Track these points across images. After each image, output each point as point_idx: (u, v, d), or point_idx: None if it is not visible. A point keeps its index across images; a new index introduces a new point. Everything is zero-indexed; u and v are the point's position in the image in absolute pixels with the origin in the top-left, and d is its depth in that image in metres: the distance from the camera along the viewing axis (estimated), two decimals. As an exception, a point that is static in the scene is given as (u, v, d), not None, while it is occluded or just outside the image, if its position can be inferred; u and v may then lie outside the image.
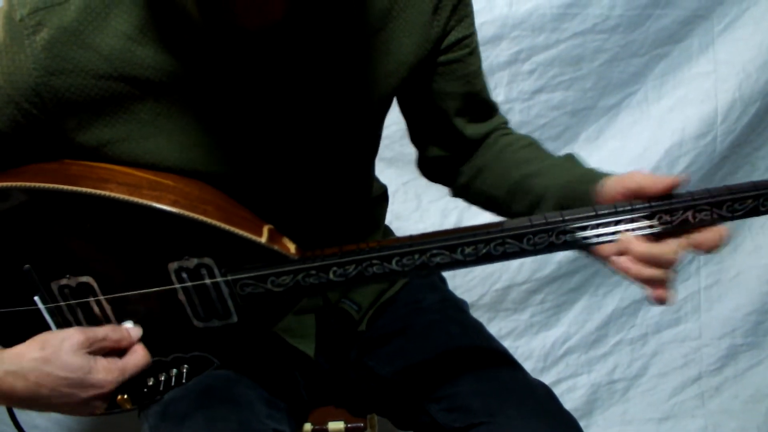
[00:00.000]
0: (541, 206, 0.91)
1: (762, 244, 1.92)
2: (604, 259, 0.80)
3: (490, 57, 1.64)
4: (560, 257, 1.76)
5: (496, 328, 1.80)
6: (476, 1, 0.98)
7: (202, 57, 0.81)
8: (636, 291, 1.89)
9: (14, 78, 0.78)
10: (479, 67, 1.00)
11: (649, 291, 0.77)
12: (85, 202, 0.81)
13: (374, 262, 0.81)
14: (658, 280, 0.76)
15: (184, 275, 0.83)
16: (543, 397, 0.96)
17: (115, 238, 0.83)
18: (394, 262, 0.81)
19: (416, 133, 1.07)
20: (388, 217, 1.21)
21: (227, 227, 0.81)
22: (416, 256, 0.81)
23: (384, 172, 1.68)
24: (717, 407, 1.95)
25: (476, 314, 1.74)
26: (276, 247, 0.83)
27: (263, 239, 0.83)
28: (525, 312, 1.81)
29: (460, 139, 1.02)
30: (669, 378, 1.95)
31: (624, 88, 1.74)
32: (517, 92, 1.69)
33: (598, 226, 0.78)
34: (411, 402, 1.01)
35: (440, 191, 1.69)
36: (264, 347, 1.01)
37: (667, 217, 0.77)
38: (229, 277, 0.83)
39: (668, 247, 0.76)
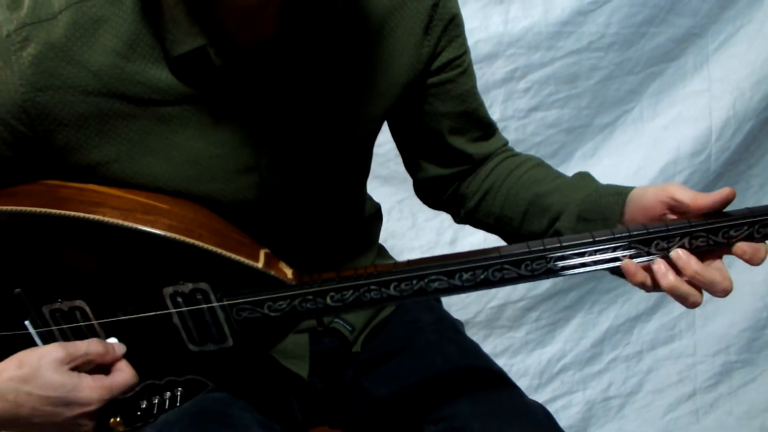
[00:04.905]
0: (561, 221, 0.90)
1: (756, 261, 1.92)
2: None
3: (485, 75, 1.65)
4: (555, 275, 1.76)
5: (491, 345, 1.80)
6: (472, 20, 0.98)
7: (194, 75, 0.80)
8: (631, 308, 1.90)
9: (1, 95, 0.77)
10: (473, 86, 0.99)
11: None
12: (77, 226, 0.79)
13: (372, 287, 0.81)
14: (679, 296, 0.76)
15: (180, 300, 0.83)
16: (541, 419, 0.96)
17: (108, 262, 0.82)
18: (392, 287, 0.80)
19: (410, 156, 1.06)
20: (383, 236, 1.20)
21: (223, 252, 0.81)
22: (414, 282, 0.80)
23: (378, 190, 1.68)
24: (712, 423, 1.95)
25: (472, 332, 1.75)
26: (272, 272, 0.82)
27: (260, 264, 0.82)
28: (520, 329, 1.81)
29: (460, 157, 1.02)
30: (664, 395, 1.95)
31: (619, 106, 1.75)
32: (512, 110, 1.70)
33: (595, 252, 0.78)
34: (408, 423, 1.00)
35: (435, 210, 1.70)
36: (258, 369, 1.00)
37: (663, 244, 0.77)
38: (225, 302, 0.82)
39: (722, 276, 0.76)
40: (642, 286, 0.78)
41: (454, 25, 0.93)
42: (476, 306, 1.75)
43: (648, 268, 0.78)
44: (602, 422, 1.92)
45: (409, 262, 0.81)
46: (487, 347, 1.78)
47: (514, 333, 1.81)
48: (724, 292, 0.76)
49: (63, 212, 0.79)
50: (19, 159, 0.82)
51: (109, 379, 0.80)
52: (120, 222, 0.79)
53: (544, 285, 1.77)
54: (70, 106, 0.78)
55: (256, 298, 0.82)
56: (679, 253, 0.76)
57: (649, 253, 0.77)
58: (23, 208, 0.80)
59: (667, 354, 1.95)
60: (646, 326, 1.92)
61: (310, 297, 0.81)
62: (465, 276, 0.79)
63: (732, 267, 1.99)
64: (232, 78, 0.82)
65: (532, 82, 1.66)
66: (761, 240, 0.76)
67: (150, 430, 0.92)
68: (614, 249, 0.77)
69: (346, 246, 1.04)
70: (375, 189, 1.14)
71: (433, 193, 1.09)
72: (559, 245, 0.78)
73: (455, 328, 1.12)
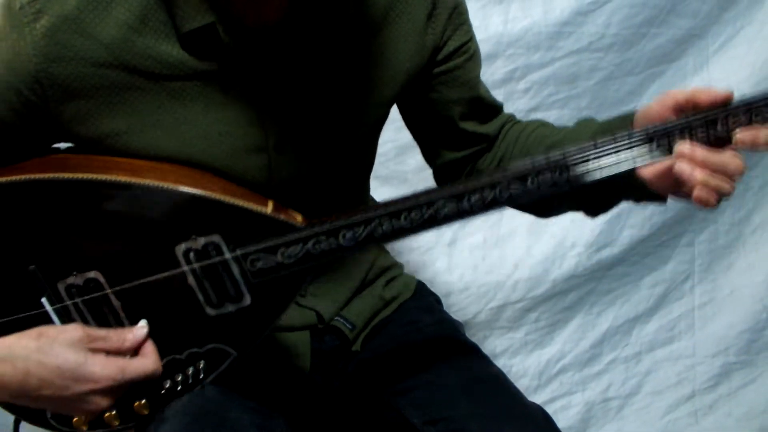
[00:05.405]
0: None
1: (755, 263, 1.92)
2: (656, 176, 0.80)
3: (485, 75, 1.62)
4: (555, 276, 1.76)
5: (491, 346, 1.79)
6: (471, 19, 0.99)
7: (202, 50, 0.82)
8: (630, 310, 1.89)
9: (14, 65, 0.79)
10: (480, 72, 1.02)
11: (702, 192, 0.76)
12: (88, 189, 0.81)
13: (383, 220, 0.81)
14: (720, 189, 0.75)
15: (193, 257, 0.83)
16: (540, 422, 0.96)
17: (119, 226, 0.82)
18: (402, 218, 0.81)
19: (427, 145, 1.08)
20: (383, 236, 1.20)
21: (232, 200, 0.81)
22: (424, 209, 0.80)
23: (378, 190, 1.67)
24: (711, 425, 1.95)
25: (471, 332, 1.74)
26: (282, 217, 0.83)
27: (269, 210, 0.82)
28: (520, 330, 1.81)
29: (475, 139, 1.03)
30: (663, 396, 1.95)
31: (619, 106, 1.74)
32: (512, 110, 1.64)
33: (599, 157, 0.78)
34: (408, 425, 1.00)
35: (435, 209, 1.70)
36: (260, 366, 1.00)
37: (665, 141, 0.77)
38: (239, 253, 0.82)
39: (732, 156, 0.75)
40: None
41: (457, 13, 0.95)
42: (475, 307, 1.75)
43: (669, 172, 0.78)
44: (601, 423, 1.92)
45: (416, 193, 0.82)
46: (487, 348, 1.78)
47: (513, 334, 1.81)
48: (737, 171, 0.75)
49: (73, 175, 0.81)
50: (28, 129, 0.83)
51: (124, 361, 0.81)
52: (129, 179, 0.80)
53: (544, 286, 1.77)
54: (81, 77, 0.79)
55: (269, 245, 0.82)
56: (683, 146, 0.76)
57: (651, 151, 0.78)
58: (34, 176, 0.81)
59: (666, 355, 1.94)
60: (645, 327, 1.92)
61: (323, 237, 0.81)
62: (473, 198, 0.80)
63: (731, 269, 1.99)
64: (241, 56, 0.83)
65: (532, 83, 1.66)
66: (759, 123, 0.76)
67: (151, 427, 0.92)
68: (617, 151, 0.78)
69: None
70: (375, 189, 1.14)
71: (452, 176, 1.10)
72: (562, 155, 0.79)
73: (455, 329, 1.12)
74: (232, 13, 0.80)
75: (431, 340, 1.07)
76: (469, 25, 0.98)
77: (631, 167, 0.78)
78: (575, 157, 0.78)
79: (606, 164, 0.78)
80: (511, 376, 1.74)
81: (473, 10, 1.62)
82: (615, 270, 1.84)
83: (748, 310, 1.93)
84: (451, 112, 1.00)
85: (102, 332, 0.81)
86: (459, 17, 0.96)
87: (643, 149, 0.77)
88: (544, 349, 1.85)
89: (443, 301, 1.22)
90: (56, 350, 0.76)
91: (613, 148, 0.78)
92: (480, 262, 1.73)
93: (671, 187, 0.80)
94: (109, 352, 0.80)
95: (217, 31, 0.80)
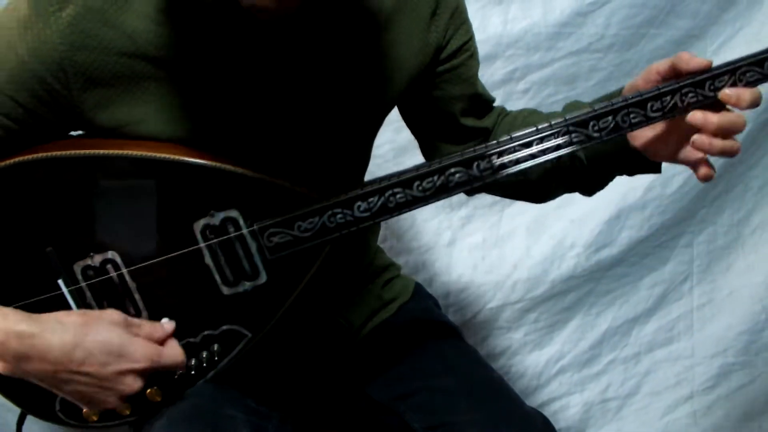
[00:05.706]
0: None
1: (754, 264, 1.92)
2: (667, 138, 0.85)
3: (484, 76, 1.62)
4: (554, 276, 1.76)
5: (489, 346, 1.79)
6: (471, 20, 1.00)
7: (217, 42, 0.83)
8: (629, 310, 1.89)
9: (40, 53, 0.80)
10: (478, 68, 1.04)
11: (703, 170, 0.82)
12: (104, 165, 0.82)
13: (396, 190, 0.83)
14: (729, 151, 0.80)
15: (210, 234, 0.83)
16: (540, 427, 0.96)
17: (137, 203, 0.83)
18: (415, 187, 0.83)
19: (427, 140, 1.09)
20: (381, 236, 1.20)
21: (249, 173, 0.83)
22: (435, 177, 0.83)
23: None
24: (709, 426, 1.95)
25: (470, 333, 1.74)
26: (299, 189, 0.84)
27: (286, 183, 0.84)
28: (519, 331, 1.81)
29: (474, 133, 1.05)
30: (662, 397, 1.95)
31: (618, 107, 1.74)
32: (512, 111, 1.69)
33: (599, 118, 0.83)
34: (409, 430, 1.00)
35: (434, 210, 1.70)
36: (257, 366, 1.00)
37: (657, 104, 0.81)
38: (256, 226, 0.84)
39: (735, 114, 0.80)
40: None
41: (458, 12, 0.97)
42: (474, 307, 1.75)
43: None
44: (600, 424, 1.92)
45: (428, 162, 0.85)
46: (486, 348, 1.78)
47: (512, 334, 1.81)
48: (742, 127, 0.81)
49: (89, 152, 0.82)
50: (48, 117, 0.84)
51: (159, 347, 0.84)
52: (147, 153, 0.81)
53: (543, 286, 1.77)
54: (105, 65, 0.81)
55: (285, 218, 0.83)
56: (695, 113, 0.80)
57: (647, 116, 0.82)
58: (50, 153, 0.82)
59: (665, 356, 1.94)
60: (644, 328, 1.92)
61: (338, 209, 0.83)
62: (482, 165, 0.83)
63: (730, 270, 1.98)
64: (253, 49, 0.85)
65: (532, 83, 1.66)
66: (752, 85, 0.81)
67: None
68: (615, 114, 0.82)
69: (344, 242, 1.05)
70: (374, 189, 1.14)
71: None
72: (563, 120, 0.83)
73: (455, 333, 1.12)
74: (245, 6, 0.81)
75: (430, 343, 1.07)
76: (469, 24, 1.00)
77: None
78: (576, 119, 0.82)
79: (605, 126, 0.82)
80: (510, 377, 1.74)
81: (473, 11, 1.61)
82: (614, 271, 1.84)
83: (746, 311, 1.93)
84: (453, 109, 1.02)
85: (137, 320, 0.84)
86: (460, 16, 0.97)
87: (639, 113, 0.82)
88: (543, 350, 1.85)
89: (442, 301, 1.23)
90: (102, 327, 0.79)
91: (612, 110, 0.82)
92: (479, 262, 1.73)
93: (668, 152, 0.84)
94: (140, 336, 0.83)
95: (231, 24, 0.82)
